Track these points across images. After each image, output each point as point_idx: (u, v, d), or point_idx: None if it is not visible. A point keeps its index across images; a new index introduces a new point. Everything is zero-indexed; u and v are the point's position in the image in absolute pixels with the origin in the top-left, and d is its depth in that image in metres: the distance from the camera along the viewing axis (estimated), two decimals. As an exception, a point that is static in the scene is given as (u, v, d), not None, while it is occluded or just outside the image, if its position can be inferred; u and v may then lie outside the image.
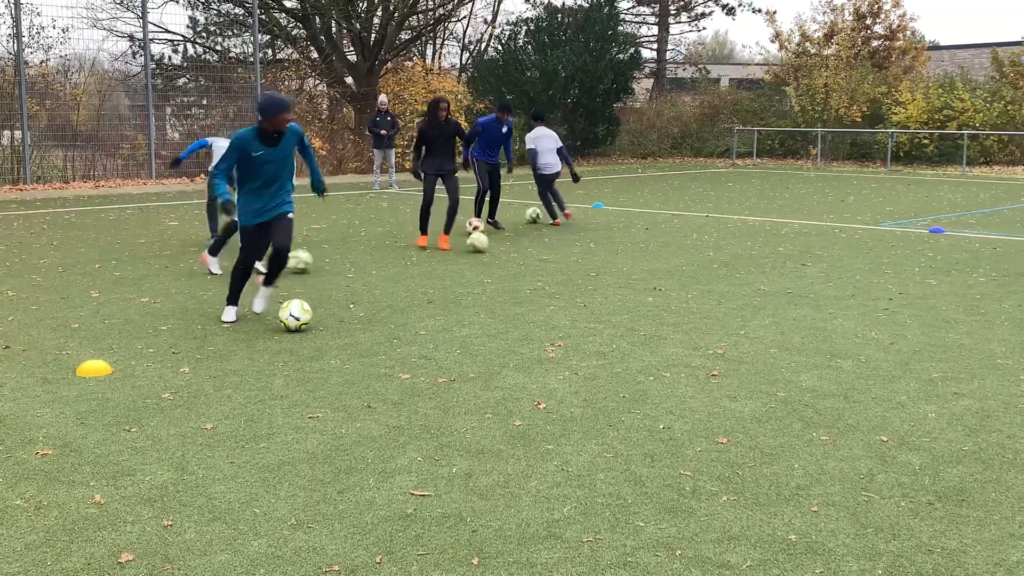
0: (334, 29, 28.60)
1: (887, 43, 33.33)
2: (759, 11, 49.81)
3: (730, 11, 39.64)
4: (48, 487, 3.97)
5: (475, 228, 11.89)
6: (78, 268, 9.48)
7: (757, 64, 41.87)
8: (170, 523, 3.63)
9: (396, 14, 28.19)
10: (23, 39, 20.25)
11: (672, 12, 40.40)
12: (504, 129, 12.65)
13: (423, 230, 11.17)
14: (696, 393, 5.38)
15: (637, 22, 40.59)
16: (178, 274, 9.19)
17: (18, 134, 20.35)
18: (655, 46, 40.08)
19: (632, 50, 32.34)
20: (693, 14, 40.95)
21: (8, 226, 13.02)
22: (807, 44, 33.69)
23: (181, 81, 28.79)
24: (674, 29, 41.37)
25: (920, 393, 5.44)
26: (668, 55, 40.74)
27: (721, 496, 3.95)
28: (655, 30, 40.49)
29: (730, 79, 43.73)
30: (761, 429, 4.78)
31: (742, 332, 6.86)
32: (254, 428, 4.73)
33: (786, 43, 34.15)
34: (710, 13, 41.56)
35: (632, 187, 20.82)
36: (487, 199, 12.93)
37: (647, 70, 37.81)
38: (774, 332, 6.88)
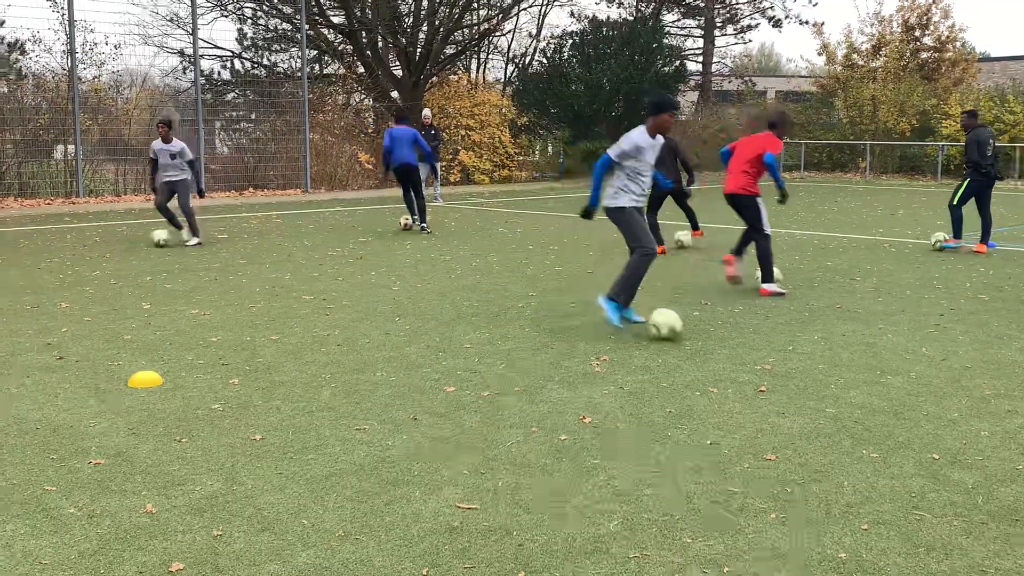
0: (380, 44, 28.87)
1: (936, 55, 32.90)
2: (806, 23, 49.35)
3: (776, 23, 39.39)
4: (101, 496, 4.03)
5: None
6: (130, 280, 9.64)
7: (803, 76, 41.55)
8: (219, 533, 3.67)
9: (441, 29, 28.41)
10: (77, 55, 20.68)
11: (718, 24, 40.22)
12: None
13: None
14: (744, 409, 5.33)
15: (682, 35, 40.48)
16: (227, 287, 9.31)
17: (71, 148, 20.76)
18: (701, 59, 39.92)
19: (677, 63, 32.26)
20: (739, 26, 40.73)
21: (62, 239, 13.28)
22: (855, 56, 33.38)
23: (230, 96, 29.23)
24: (720, 42, 41.18)
25: (972, 410, 5.35)
26: (714, 67, 40.56)
27: (770, 513, 3.91)
28: (700, 43, 40.34)
29: (776, 91, 43.43)
30: (810, 446, 4.73)
31: (790, 347, 6.79)
32: (302, 439, 4.77)
33: (833, 55, 33.86)
34: (756, 25, 41.42)
35: (677, 200, 20.70)
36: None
37: (693, 83, 37.67)
38: (823, 347, 6.80)
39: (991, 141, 12.16)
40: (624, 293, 7.41)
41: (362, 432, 4.89)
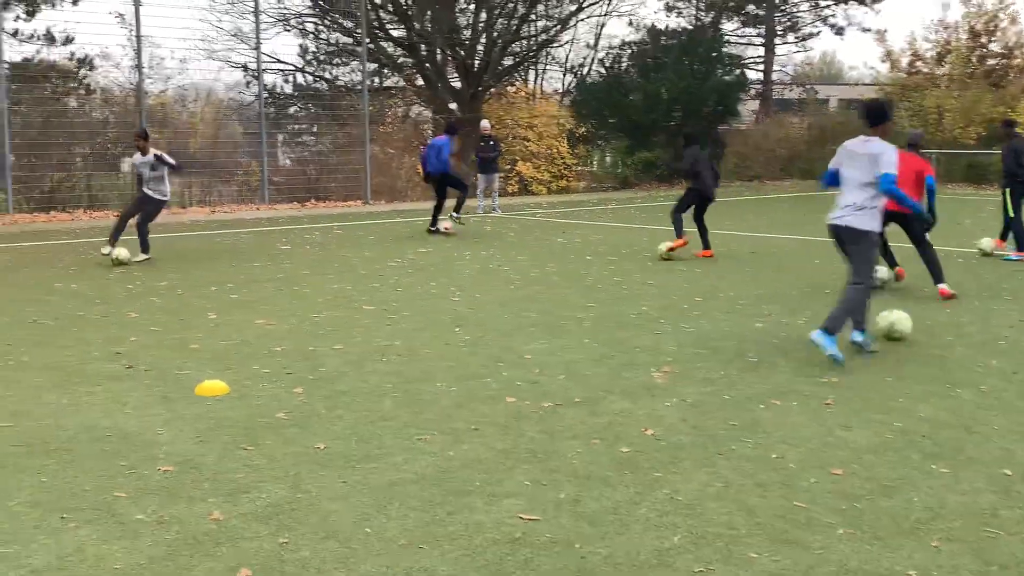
0: (439, 56, 29.09)
1: (1004, 61, 32.21)
2: (868, 30, 48.69)
3: (839, 31, 38.89)
4: (169, 502, 4.10)
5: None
6: (196, 290, 9.82)
7: (866, 84, 40.95)
8: (286, 540, 3.71)
9: (500, 40, 28.54)
10: (144, 70, 21.17)
11: (779, 33, 39.82)
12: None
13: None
14: (809, 422, 5.26)
15: (742, 43, 40.13)
16: (291, 297, 9.43)
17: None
18: (761, 67, 39.55)
19: (737, 72, 32.00)
20: (800, 34, 40.28)
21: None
22: (919, 63, 32.80)
23: (292, 109, 29.66)
24: (780, 50, 40.74)
25: (1047, 425, 5.21)
26: (775, 76, 40.15)
27: (837, 529, 3.85)
28: (761, 51, 39.98)
29: (839, 100, 42.85)
30: (877, 460, 4.65)
31: (856, 359, 6.68)
32: (365, 448, 4.81)
33: (897, 62, 33.32)
34: (818, 33, 40.74)
35: (738, 210, 20.53)
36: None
37: (753, 92, 37.31)
38: (890, 359, 6.68)
39: None
40: (850, 318, 6.75)
41: (424, 442, 4.92)
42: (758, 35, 40.44)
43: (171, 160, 12.23)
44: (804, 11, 39.43)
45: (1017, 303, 8.96)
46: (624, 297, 9.33)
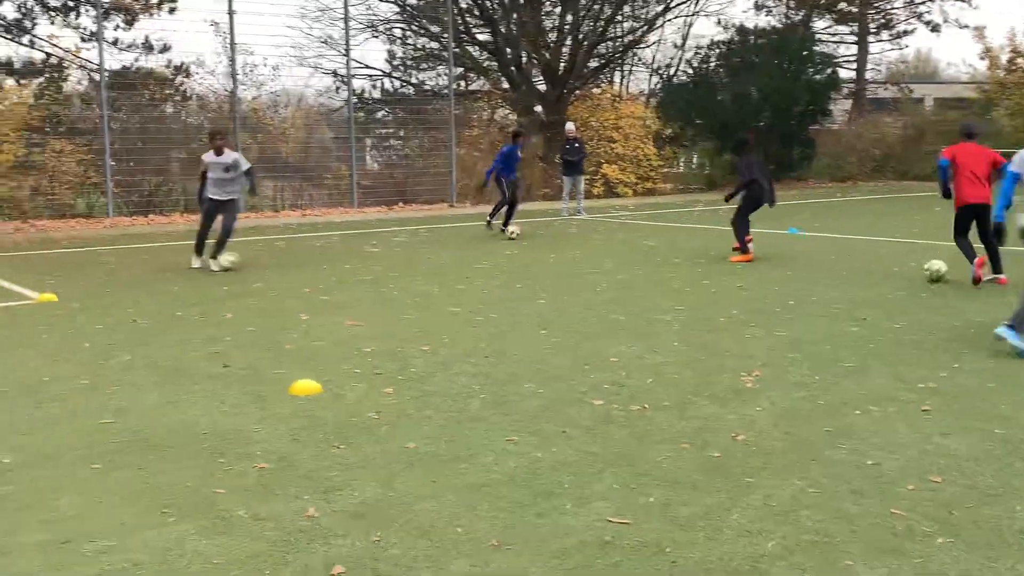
0: (524, 60, 29.16)
1: (1111, 57, 30.89)
2: (966, 27, 47.14)
3: (935, 28, 37.80)
4: (266, 499, 4.20)
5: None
6: (289, 292, 10.03)
7: (964, 83, 39.72)
8: (378, 538, 3.76)
9: (585, 43, 28.48)
10: (237, 77, 21.71)
11: (872, 31, 38.90)
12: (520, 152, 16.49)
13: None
14: (906, 428, 5.12)
15: (834, 42, 39.30)
16: (380, 299, 9.56)
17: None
18: (854, 66, 38.68)
19: (829, 71, 31.35)
20: (894, 32, 39.29)
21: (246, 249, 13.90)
22: (1020, 60, 31.66)
23: (380, 114, 30.07)
24: (874, 48, 39.76)
25: None
26: (868, 75, 39.22)
27: (936, 538, 3.74)
28: (854, 49, 39.10)
29: (934, 98, 41.66)
30: (979, 468, 4.50)
31: (955, 365, 6.48)
32: (454, 449, 4.85)
33: (996, 59, 32.24)
34: (913, 31, 39.63)
35: (830, 212, 20.12)
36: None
37: (845, 91, 36.51)
38: (991, 365, 6.47)
39: None
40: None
41: (512, 443, 4.94)
42: (851, 33, 39.55)
43: (246, 165, 12.08)
44: (899, 8, 38.43)
45: None
46: (713, 300, 9.22)
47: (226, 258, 11.84)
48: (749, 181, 12.41)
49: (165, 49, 24.05)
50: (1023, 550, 3.62)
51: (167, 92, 23.78)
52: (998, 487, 4.26)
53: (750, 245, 12.16)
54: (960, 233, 10.32)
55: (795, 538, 3.75)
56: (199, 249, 12.07)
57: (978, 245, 10.04)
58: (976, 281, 9.87)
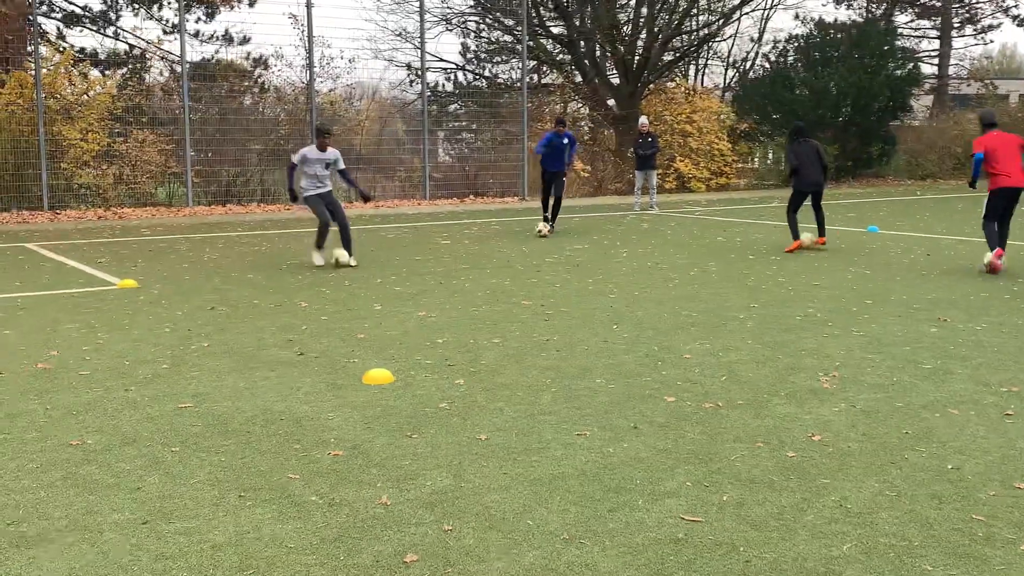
0: (598, 53, 29.04)
1: None
2: (1055, 21, 45.64)
3: (1021, 22, 36.70)
4: (339, 486, 4.25)
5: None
6: (362, 282, 10.14)
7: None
8: (450, 528, 3.79)
9: (660, 36, 28.25)
10: (315, 69, 21.99)
11: (956, 25, 37.91)
12: (564, 140, 15.13)
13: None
14: (988, 433, 4.99)
15: (916, 36, 38.39)
16: (451, 290, 9.62)
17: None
18: (936, 61, 37.74)
19: (911, 66, 30.64)
20: (979, 26, 38.23)
21: (300, 243, 14.13)
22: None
23: (452, 107, 30.23)
24: (958, 43, 38.76)
25: None
26: (951, 70, 38.23)
27: (1019, 545, 3.64)
28: (936, 44, 38.15)
29: (1020, 95, 40.42)
30: (1066, 476, 4.36)
31: (1040, 369, 6.29)
32: (525, 441, 4.86)
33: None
34: (998, 25, 38.69)
35: (910, 210, 19.68)
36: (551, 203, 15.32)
37: (927, 86, 35.65)
38: (1078, 370, 6.26)
39: None
40: None
41: (583, 437, 4.93)
42: (933, 27, 38.60)
43: (343, 165, 11.77)
44: (984, 2, 37.38)
45: None
46: (789, 298, 9.09)
47: (343, 255, 11.38)
48: (794, 168, 13.03)
49: (245, 41, 24.52)
50: (1112, 562, 3.50)
51: (246, 84, 24.22)
52: (1086, 496, 4.13)
53: (804, 236, 12.73)
54: (990, 217, 10.79)
55: (871, 541, 3.67)
56: (320, 245, 11.60)
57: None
58: (993, 270, 10.43)
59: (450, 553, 3.57)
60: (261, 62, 24.62)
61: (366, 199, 12.15)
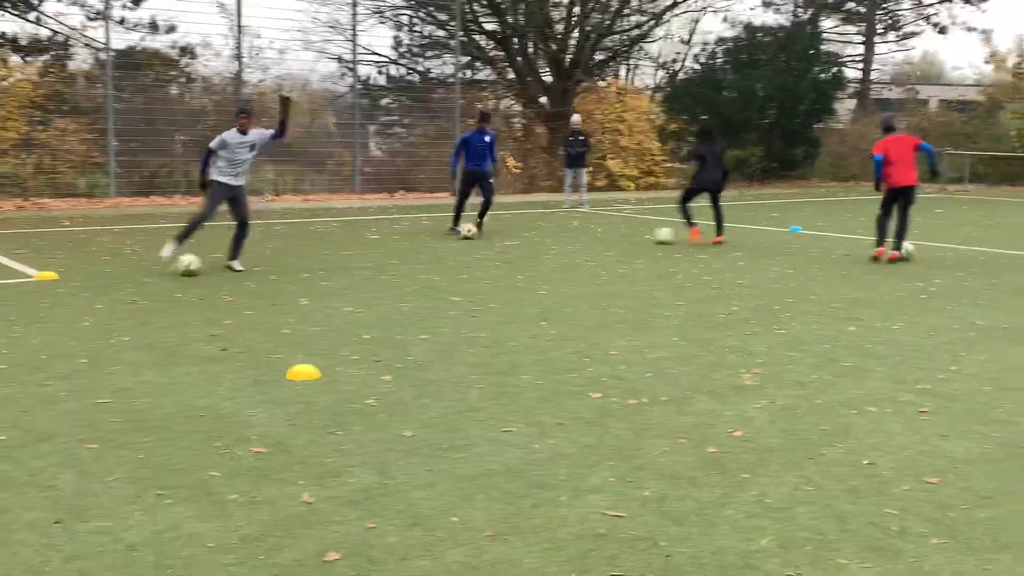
0: (531, 50, 29.10)
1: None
2: (973, 30, 46.99)
3: (942, 30, 37.74)
4: (261, 483, 4.20)
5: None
6: (288, 277, 10.02)
7: (970, 85, 39.68)
8: (373, 526, 3.76)
9: (592, 35, 28.42)
10: (243, 59, 21.65)
11: (879, 31, 38.85)
12: (487, 139, 14.38)
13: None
14: (903, 430, 5.12)
15: (842, 41, 39.24)
16: (380, 285, 9.56)
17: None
18: (860, 66, 38.64)
19: (835, 70, 31.31)
20: (901, 33, 39.22)
21: (222, 235, 13.88)
22: (1026, 64, 31.62)
23: (384, 101, 30.01)
24: (880, 48, 39.75)
25: None
26: (873, 75, 39.18)
27: (931, 538, 3.74)
28: (861, 49, 39.05)
29: (940, 100, 41.60)
30: (975, 471, 4.50)
31: (953, 368, 6.48)
32: (451, 438, 4.85)
33: (1002, 63, 32.19)
34: (920, 32, 39.59)
35: (832, 211, 20.12)
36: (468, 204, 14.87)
37: (851, 90, 36.47)
38: (990, 370, 6.46)
39: None
40: None
41: (509, 434, 4.94)
42: (858, 33, 39.52)
43: (270, 131, 10.36)
44: (906, 9, 38.37)
45: None
46: (713, 296, 9.22)
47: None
48: (698, 168, 13.98)
49: (171, 30, 24.01)
50: (1018, 554, 3.62)
51: (172, 73, 23.74)
52: (994, 490, 4.26)
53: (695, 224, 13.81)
54: (883, 212, 12.00)
55: (789, 535, 3.75)
56: (183, 238, 10.36)
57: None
58: (876, 260, 11.74)
59: (373, 551, 3.55)
60: (188, 51, 24.16)
61: (285, 100, 10.75)
